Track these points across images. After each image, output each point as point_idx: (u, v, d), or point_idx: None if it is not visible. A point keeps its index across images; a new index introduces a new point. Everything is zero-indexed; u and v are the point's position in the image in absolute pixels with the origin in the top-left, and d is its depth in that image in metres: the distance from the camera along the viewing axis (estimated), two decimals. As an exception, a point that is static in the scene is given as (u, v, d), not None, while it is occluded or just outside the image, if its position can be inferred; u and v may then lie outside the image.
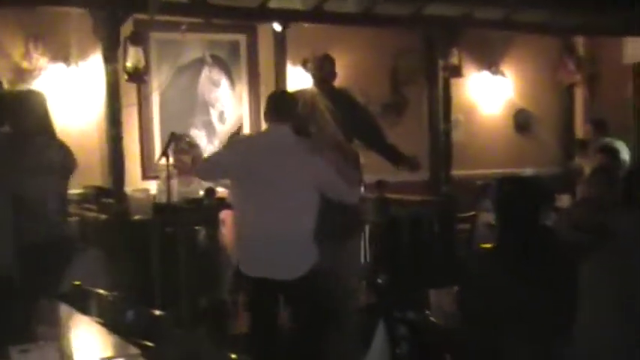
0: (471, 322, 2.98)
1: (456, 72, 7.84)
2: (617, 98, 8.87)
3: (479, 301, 2.93)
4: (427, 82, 8.20)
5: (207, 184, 5.97)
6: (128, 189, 6.10)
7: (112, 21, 6.08)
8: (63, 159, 4.16)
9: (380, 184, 6.92)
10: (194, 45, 7.29)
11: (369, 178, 5.40)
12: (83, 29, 6.44)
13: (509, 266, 2.91)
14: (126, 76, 6.51)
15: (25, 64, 6.44)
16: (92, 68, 6.62)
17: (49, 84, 6.39)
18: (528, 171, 7.69)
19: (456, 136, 8.12)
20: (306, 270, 3.95)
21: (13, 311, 3.23)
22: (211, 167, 4.31)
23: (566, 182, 7.68)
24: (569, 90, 9.36)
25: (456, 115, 8.14)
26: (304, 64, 7.40)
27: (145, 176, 7.03)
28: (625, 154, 7.47)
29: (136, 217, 5.55)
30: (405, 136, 6.96)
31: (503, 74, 8.81)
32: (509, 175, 4.69)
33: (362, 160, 4.82)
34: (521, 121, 8.96)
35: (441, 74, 7.83)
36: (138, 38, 6.52)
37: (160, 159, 5.58)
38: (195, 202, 5.80)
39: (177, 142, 6.00)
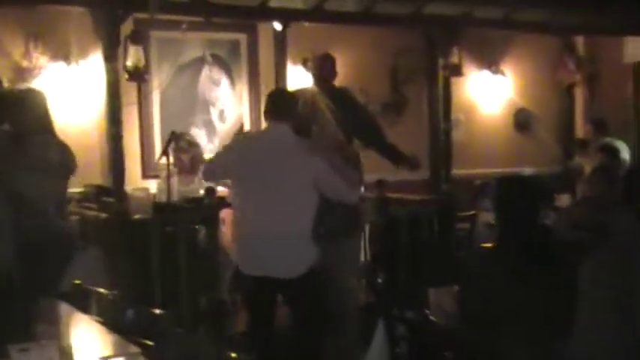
0: (470, 322, 2.98)
1: (456, 71, 7.85)
2: (617, 98, 8.87)
3: (478, 300, 2.93)
4: (427, 82, 8.21)
5: (207, 184, 5.97)
6: (128, 188, 6.11)
7: (112, 20, 6.08)
8: (63, 158, 4.16)
9: (380, 184, 6.93)
10: (194, 44, 7.29)
11: (369, 177, 5.40)
12: (83, 28, 6.44)
13: (509, 266, 2.92)
14: (126, 75, 6.52)
15: (25, 63, 6.45)
16: (92, 67, 6.62)
17: (50, 83, 6.39)
18: (528, 170, 7.69)
19: (456, 135, 8.13)
20: (306, 269, 3.95)
21: (13, 310, 3.23)
22: (214, 169, 4.31)
23: (566, 182, 7.68)
24: (570, 89, 9.36)
25: (456, 114, 8.14)
26: (305, 63, 7.41)
27: (145, 175, 7.03)
28: (625, 153, 7.47)
29: (136, 216, 5.55)
30: (405, 135, 6.95)
31: (503, 73, 8.81)
32: (508, 174, 4.70)
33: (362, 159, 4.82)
34: (522, 120, 8.96)
35: (441, 73, 7.84)
36: (138, 37, 6.52)
37: (160, 158, 5.58)
38: (195, 202, 5.80)
39: (178, 141, 6.00)
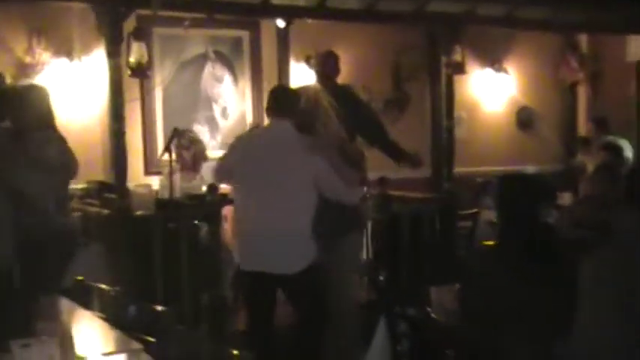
0: (471, 320, 2.98)
1: (459, 69, 7.84)
2: (620, 96, 8.86)
3: (480, 298, 2.93)
4: (430, 79, 8.20)
5: (209, 180, 5.98)
6: (130, 184, 6.11)
7: (115, 16, 6.08)
8: (64, 158, 4.15)
9: (382, 181, 6.93)
10: (197, 40, 7.29)
11: (371, 174, 5.39)
12: (86, 24, 6.45)
13: (511, 264, 2.91)
14: (129, 71, 6.52)
15: (28, 59, 6.45)
16: (95, 63, 6.63)
17: (52, 79, 6.40)
18: (530, 168, 7.69)
19: (459, 133, 8.13)
20: (306, 265, 3.96)
21: (15, 306, 3.24)
22: (222, 170, 4.33)
23: (569, 180, 7.67)
24: (572, 87, 9.36)
25: (458, 112, 8.14)
26: (307, 60, 7.41)
27: (148, 171, 7.03)
28: (628, 151, 7.47)
29: (139, 213, 5.55)
30: (407, 132, 6.96)
31: (506, 71, 8.81)
32: (510, 172, 4.70)
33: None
34: (524, 118, 8.96)
35: (444, 71, 7.83)
36: (141, 33, 6.52)
37: (162, 154, 5.58)
38: (197, 198, 5.80)
39: (180, 138, 6.00)
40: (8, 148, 4.05)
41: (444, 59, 7.79)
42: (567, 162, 8.71)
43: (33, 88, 4.45)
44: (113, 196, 5.84)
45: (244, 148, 4.21)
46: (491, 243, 3.20)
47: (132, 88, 6.76)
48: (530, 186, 3.06)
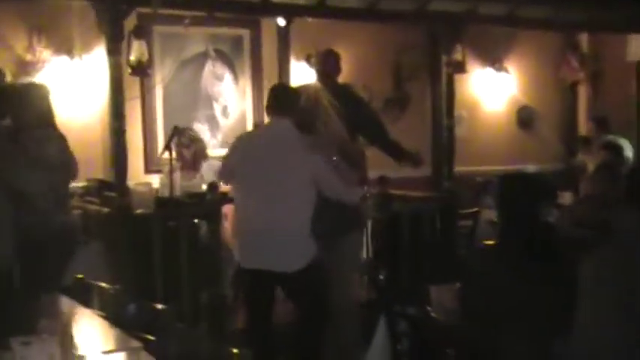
0: (471, 319, 2.98)
1: (460, 68, 7.83)
2: (620, 96, 8.86)
3: (480, 297, 2.93)
4: (430, 78, 8.20)
5: (209, 179, 5.98)
6: (131, 182, 6.10)
7: (115, 14, 6.06)
8: (64, 157, 4.14)
9: (382, 180, 6.93)
10: (197, 39, 7.29)
11: (371, 173, 5.39)
12: (87, 22, 6.44)
13: (511, 263, 2.91)
14: (129, 70, 6.51)
15: (28, 57, 6.45)
16: (96, 61, 6.62)
17: (53, 77, 6.40)
18: (531, 167, 7.69)
19: (459, 132, 8.11)
20: (306, 263, 3.96)
21: (16, 304, 3.24)
22: (225, 170, 4.34)
23: (569, 179, 7.68)
24: (573, 87, 9.36)
25: (459, 111, 8.13)
26: (308, 59, 7.40)
27: (148, 170, 7.03)
28: (629, 151, 7.47)
29: (139, 211, 5.55)
30: (408, 131, 6.95)
31: (506, 71, 8.80)
32: (511, 171, 4.70)
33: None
34: (525, 117, 8.95)
35: (444, 70, 7.82)
36: (141, 31, 6.52)
37: (162, 153, 5.58)
38: (197, 197, 5.80)
39: (180, 136, 6.00)
40: (8, 149, 4.05)
41: (444, 58, 7.78)
42: (568, 161, 8.71)
43: (33, 86, 4.45)
44: (113, 194, 5.84)
45: (245, 147, 4.22)
46: (491, 242, 3.20)
47: (132, 86, 6.76)
48: (530, 185, 3.06)
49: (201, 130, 7.15)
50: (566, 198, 6.30)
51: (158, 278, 5.39)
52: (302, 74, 7.34)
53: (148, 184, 6.06)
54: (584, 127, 9.22)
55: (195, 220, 5.68)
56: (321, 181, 4.00)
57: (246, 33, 7.55)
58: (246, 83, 7.57)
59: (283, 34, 7.33)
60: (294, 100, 4.20)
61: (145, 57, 6.52)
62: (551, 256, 2.89)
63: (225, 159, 4.35)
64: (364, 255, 5.90)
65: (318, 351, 4.13)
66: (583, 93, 9.45)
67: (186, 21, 6.71)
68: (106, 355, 2.65)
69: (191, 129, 6.70)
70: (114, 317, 3.11)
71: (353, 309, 4.45)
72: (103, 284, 3.61)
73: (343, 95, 4.67)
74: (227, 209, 5.67)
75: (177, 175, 5.85)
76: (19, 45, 6.45)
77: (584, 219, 4.42)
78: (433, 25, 7.83)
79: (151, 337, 2.82)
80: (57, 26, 6.52)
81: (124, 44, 6.32)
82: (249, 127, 7.45)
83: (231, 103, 7.53)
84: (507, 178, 3.19)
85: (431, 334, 3.23)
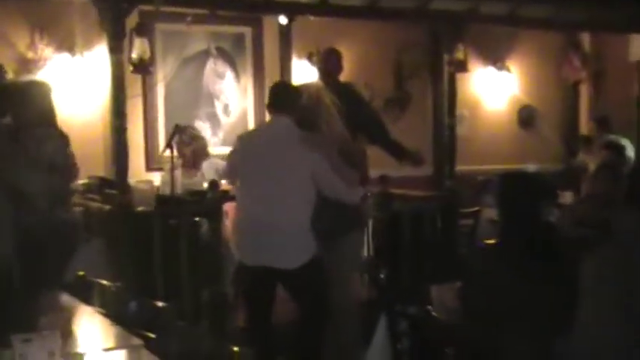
0: (472, 318, 2.98)
1: (462, 67, 7.83)
2: (622, 95, 8.85)
3: (481, 297, 2.93)
4: (432, 77, 8.19)
5: (210, 177, 5.98)
6: (132, 180, 6.11)
7: (117, 12, 6.07)
8: (63, 153, 4.13)
9: (383, 179, 6.92)
10: (199, 37, 7.28)
11: (372, 172, 5.39)
12: (88, 20, 6.44)
13: (512, 263, 2.91)
14: (131, 67, 6.51)
15: (30, 54, 6.45)
16: (97, 59, 6.62)
17: (54, 74, 6.40)
18: (532, 167, 7.68)
19: (460, 131, 8.11)
20: (306, 260, 3.96)
21: (17, 302, 3.24)
22: (229, 170, 4.35)
23: (570, 179, 7.67)
24: (574, 86, 9.34)
25: (460, 110, 8.13)
26: (310, 57, 7.40)
27: (149, 168, 7.04)
28: (630, 151, 7.47)
29: (140, 209, 5.55)
30: (409, 130, 6.96)
31: (508, 70, 8.79)
32: (511, 171, 4.69)
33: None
34: (526, 117, 8.95)
35: (446, 69, 7.82)
36: (143, 29, 6.52)
37: (164, 151, 5.58)
38: (198, 195, 5.80)
39: (181, 134, 6.00)
40: (8, 149, 4.04)
41: (446, 57, 7.77)
42: (569, 161, 8.70)
43: (35, 84, 4.44)
44: (114, 191, 5.84)
45: (246, 145, 4.22)
46: (492, 241, 3.20)
47: (134, 84, 6.76)
48: (530, 185, 3.06)
49: (203, 128, 7.14)
50: (567, 197, 6.30)
51: (159, 276, 5.39)
52: (303, 72, 7.34)
53: (149, 182, 6.06)
54: (585, 126, 9.21)
55: (197, 218, 5.68)
56: (321, 180, 4.00)
57: (248, 31, 7.55)
58: (248, 81, 7.57)
59: (285, 33, 7.32)
60: (294, 98, 4.20)
61: (147, 55, 6.52)
62: (552, 256, 2.89)
63: (228, 159, 4.37)
64: (365, 254, 5.89)
65: (318, 350, 4.13)
66: (585, 92, 9.44)
67: (189, 19, 6.71)
68: (107, 353, 2.65)
69: (192, 127, 6.69)
70: (115, 315, 3.12)
71: (353, 308, 4.45)
72: (104, 282, 3.61)
73: (344, 94, 4.67)
74: (228, 207, 5.67)
75: (178, 172, 5.85)
76: (21, 42, 6.46)
77: (585, 219, 4.43)
78: (435, 24, 7.83)
79: (152, 335, 2.82)
80: (59, 24, 6.52)
81: (126, 42, 6.33)
82: (251, 125, 7.46)
83: (233, 101, 7.53)
84: (508, 177, 3.20)
85: (432, 333, 3.23)
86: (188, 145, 6.25)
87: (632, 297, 2.60)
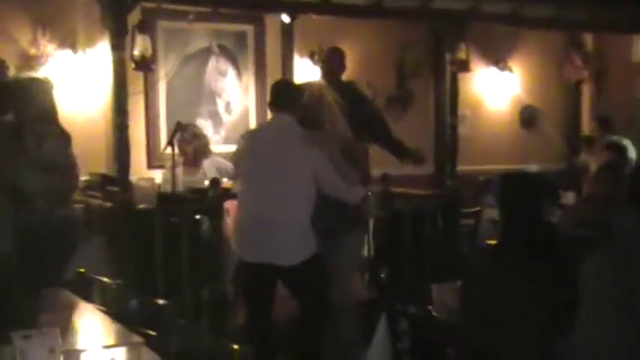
0: (473, 318, 2.98)
1: (464, 67, 7.83)
2: (624, 95, 8.84)
3: (481, 296, 2.93)
4: (434, 76, 8.19)
5: (212, 175, 5.98)
6: (133, 177, 6.11)
7: (120, 9, 6.07)
8: (64, 155, 4.12)
9: (384, 178, 6.91)
10: (201, 34, 7.28)
11: (373, 171, 5.39)
12: (91, 17, 6.44)
13: (513, 262, 2.91)
14: (133, 65, 6.51)
15: (32, 51, 6.45)
16: (99, 56, 6.62)
17: (56, 71, 6.40)
18: (533, 167, 7.68)
19: (462, 130, 8.11)
20: (307, 256, 3.97)
21: (17, 299, 3.24)
22: (237, 170, 4.35)
23: (572, 179, 7.67)
24: (577, 86, 9.34)
25: (462, 109, 8.12)
26: (312, 56, 7.40)
27: (151, 165, 7.04)
28: (632, 152, 7.46)
29: (141, 206, 5.55)
30: (410, 129, 6.95)
31: (510, 70, 8.79)
32: (512, 171, 4.69)
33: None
34: (528, 116, 8.94)
35: (448, 68, 7.82)
36: (145, 26, 6.52)
37: (165, 148, 5.58)
38: (200, 192, 5.80)
39: (183, 132, 6.00)
40: (9, 148, 4.04)
41: (448, 56, 7.77)
42: (570, 161, 8.70)
43: (37, 81, 4.43)
44: (116, 189, 5.84)
45: (248, 143, 4.23)
46: (493, 241, 3.19)
47: (135, 81, 6.76)
48: (531, 185, 3.06)
49: (204, 125, 7.14)
50: (568, 198, 6.30)
51: (160, 274, 5.39)
52: (305, 71, 7.34)
53: (151, 180, 6.05)
54: (587, 126, 9.21)
55: (198, 216, 5.68)
56: (322, 178, 4.00)
57: (250, 29, 7.54)
58: (250, 79, 7.57)
59: (287, 31, 7.32)
60: (296, 96, 4.20)
61: (149, 52, 6.52)
62: (553, 256, 2.89)
63: (233, 159, 4.39)
64: (366, 253, 5.89)
65: (318, 349, 4.13)
66: (587, 92, 9.44)
67: (191, 16, 6.71)
68: (107, 350, 2.65)
69: (194, 125, 6.69)
70: (115, 312, 3.12)
71: (353, 307, 4.45)
72: (105, 279, 3.61)
73: (347, 92, 4.67)
74: (229, 205, 5.67)
75: (179, 170, 5.85)
76: (23, 39, 6.45)
77: (587, 219, 4.42)
78: (437, 23, 7.83)
79: (152, 333, 2.83)
80: (61, 20, 6.52)
81: (128, 39, 6.33)
82: (252, 123, 7.45)
83: (234, 99, 7.53)
84: (509, 177, 3.19)
85: (432, 333, 3.23)
86: (189, 142, 6.24)
87: (633, 297, 2.60)
